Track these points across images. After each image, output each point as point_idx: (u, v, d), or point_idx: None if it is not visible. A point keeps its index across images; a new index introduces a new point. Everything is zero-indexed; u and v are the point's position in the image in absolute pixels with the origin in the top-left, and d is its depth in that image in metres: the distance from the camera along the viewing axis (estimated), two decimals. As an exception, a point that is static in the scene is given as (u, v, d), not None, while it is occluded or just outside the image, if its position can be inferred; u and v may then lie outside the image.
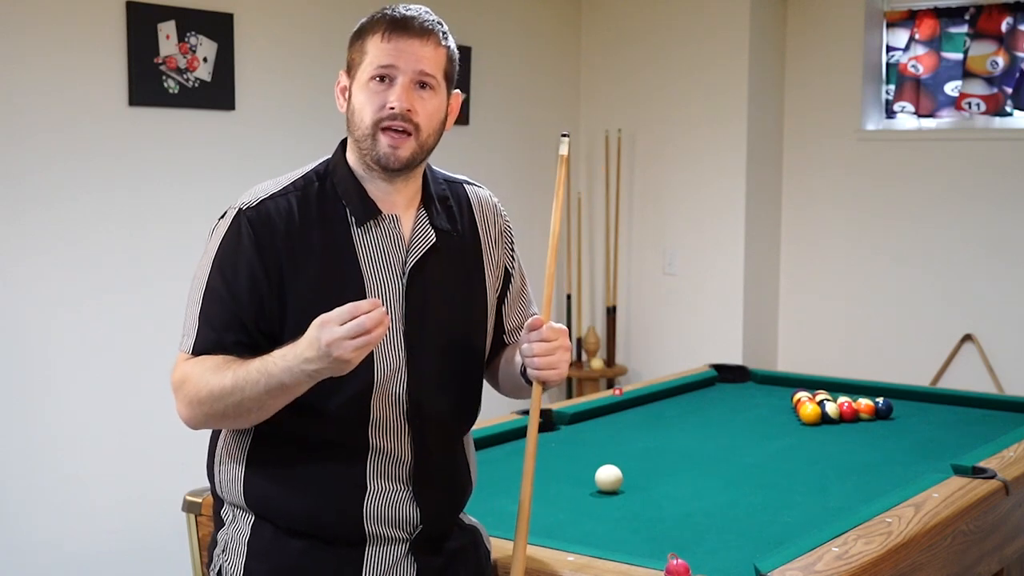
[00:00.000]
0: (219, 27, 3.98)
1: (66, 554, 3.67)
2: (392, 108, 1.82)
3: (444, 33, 1.89)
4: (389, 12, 1.87)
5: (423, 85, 1.85)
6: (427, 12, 1.89)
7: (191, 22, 3.89)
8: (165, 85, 3.85)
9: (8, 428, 3.55)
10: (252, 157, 4.13)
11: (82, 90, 3.67)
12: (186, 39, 3.89)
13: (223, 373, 1.75)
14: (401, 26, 1.84)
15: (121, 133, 3.77)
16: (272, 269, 1.81)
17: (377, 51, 1.84)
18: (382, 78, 1.84)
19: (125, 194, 3.79)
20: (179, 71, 3.88)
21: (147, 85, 3.80)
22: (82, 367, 3.71)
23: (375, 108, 1.83)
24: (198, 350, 1.82)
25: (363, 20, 1.90)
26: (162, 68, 3.83)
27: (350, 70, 1.90)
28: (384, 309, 1.65)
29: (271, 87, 4.21)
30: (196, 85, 3.93)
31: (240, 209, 1.85)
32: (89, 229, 3.71)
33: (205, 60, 3.95)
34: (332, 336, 1.63)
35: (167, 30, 3.83)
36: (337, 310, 1.65)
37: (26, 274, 3.57)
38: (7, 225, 3.53)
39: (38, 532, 3.61)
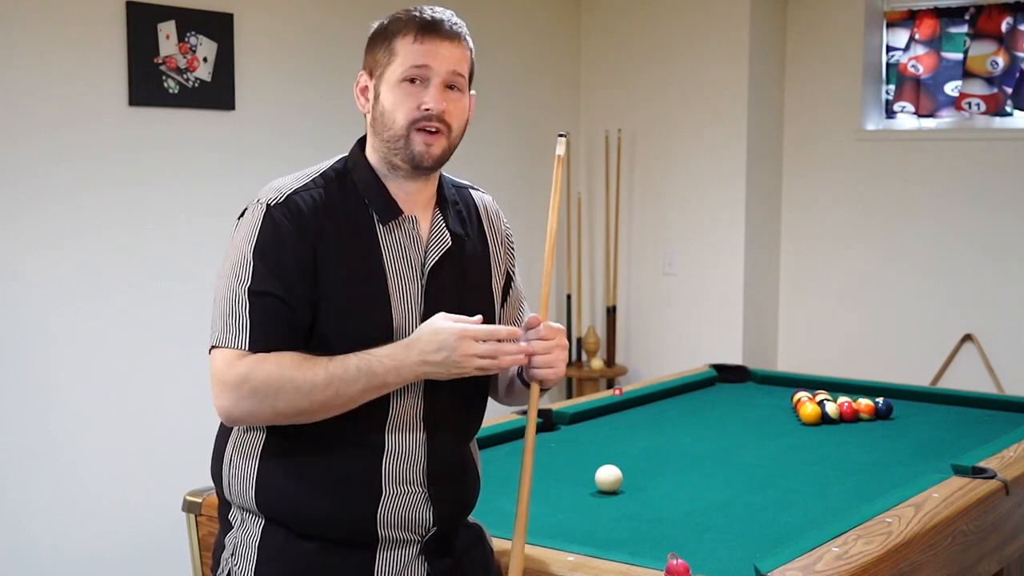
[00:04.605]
0: (219, 27, 3.98)
1: (66, 554, 3.67)
2: (428, 108, 1.84)
3: (467, 36, 1.93)
4: (417, 14, 1.88)
5: (452, 86, 1.88)
6: (452, 15, 1.92)
7: (191, 22, 3.89)
8: (165, 85, 3.85)
9: (8, 428, 3.55)
10: (252, 157, 4.13)
11: (82, 90, 3.67)
12: (186, 39, 3.89)
13: (311, 370, 1.75)
14: (433, 28, 1.87)
15: (121, 133, 3.77)
16: (310, 261, 1.81)
17: (409, 52, 1.86)
18: (413, 79, 1.85)
19: (125, 194, 3.79)
20: (179, 71, 3.88)
21: (147, 85, 3.80)
22: (82, 367, 3.71)
23: (409, 109, 1.85)
24: (256, 346, 1.78)
25: (384, 21, 1.90)
26: (162, 68, 3.83)
27: (373, 71, 1.90)
28: (523, 345, 1.82)
29: (271, 87, 4.21)
30: (196, 85, 3.93)
31: (268, 205, 1.84)
32: (89, 229, 3.71)
33: (205, 60, 3.95)
34: (471, 351, 1.74)
35: (167, 30, 3.83)
36: (478, 327, 1.77)
37: (26, 274, 3.57)
38: (6, 225, 3.53)
39: (38, 532, 3.61)
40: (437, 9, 1.91)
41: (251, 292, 1.80)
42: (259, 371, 1.76)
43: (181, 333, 3.89)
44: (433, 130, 1.85)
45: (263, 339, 1.78)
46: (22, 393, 3.58)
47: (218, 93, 4.00)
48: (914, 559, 2.27)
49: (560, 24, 5.53)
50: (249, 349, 1.78)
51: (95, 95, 3.70)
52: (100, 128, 3.72)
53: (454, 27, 1.89)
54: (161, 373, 3.87)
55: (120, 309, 3.80)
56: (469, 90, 1.95)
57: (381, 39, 1.90)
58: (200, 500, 2.41)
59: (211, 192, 4.00)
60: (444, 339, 1.74)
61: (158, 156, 3.87)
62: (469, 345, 1.74)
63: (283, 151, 4.21)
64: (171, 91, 3.87)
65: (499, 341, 1.78)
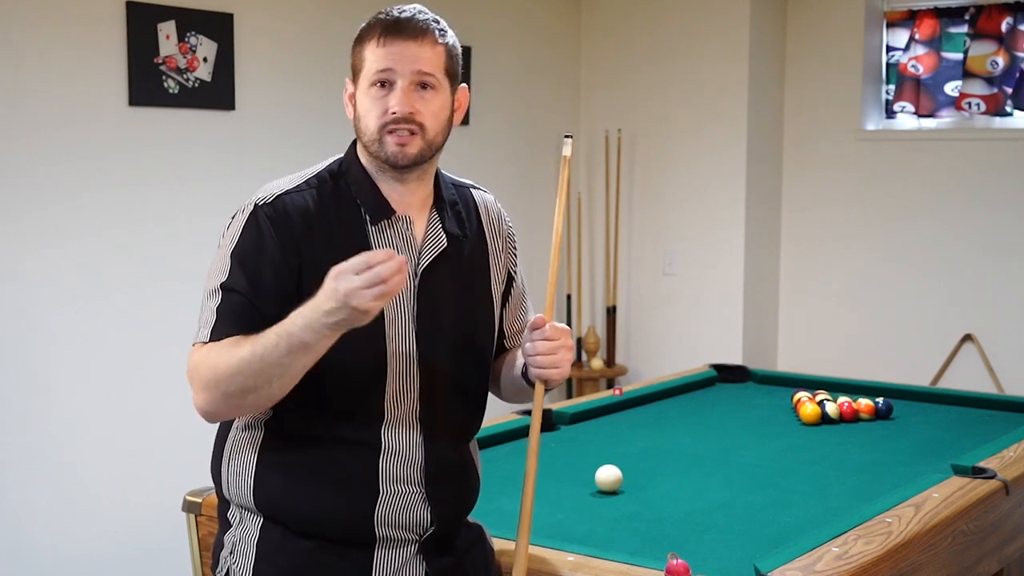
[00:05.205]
0: (219, 27, 3.98)
1: (66, 554, 3.67)
2: (394, 113, 1.82)
3: (441, 30, 1.88)
4: (383, 16, 1.87)
5: (424, 85, 1.85)
6: (421, 12, 1.88)
7: (191, 22, 3.89)
8: (165, 85, 3.85)
9: (8, 428, 3.55)
10: (252, 157, 4.13)
11: (82, 90, 3.67)
12: (186, 39, 3.89)
13: (239, 347, 1.73)
14: (395, 29, 1.84)
15: (121, 133, 3.77)
16: (292, 263, 1.81)
17: (374, 57, 1.84)
18: (382, 83, 1.84)
19: (125, 194, 3.79)
20: (179, 71, 3.88)
21: (147, 85, 3.80)
22: (82, 367, 3.71)
23: (378, 114, 1.84)
24: (216, 338, 1.78)
25: (362, 25, 1.90)
26: (162, 68, 3.83)
27: (355, 77, 1.90)
28: (403, 258, 1.64)
29: (271, 87, 4.21)
30: (196, 85, 3.93)
31: (256, 205, 1.84)
32: (89, 229, 3.71)
33: (205, 60, 3.95)
34: (350, 285, 1.62)
35: (167, 30, 3.83)
36: (352, 259, 1.64)
37: (26, 274, 3.57)
38: (7, 225, 3.53)
39: (38, 532, 3.61)
40: (406, 8, 1.88)
41: (222, 288, 1.80)
42: (205, 359, 1.76)
43: (181, 333, 3.85)
44: (404, 132, 1.83)
45: (223, 332, 1.78)
46: (22, 393, 3.58)
47: (218, 93, 4.00)
48: (914, 559, 2.27)
49: (560, 24, 5.53)
50: (209, 341, 1.79)
51: (95, 95, 3.70)
52: (100, 128, 3.72)
53: (419, 24, 1.85)
54: (161, 373, 3.87)
55: (120, 309, 3.80)
56: (454, 84, 1.91)
57: (356, 45, 1.89)
58: (200, 500, 2.41)
59: (211, 192, 4.00)
60: (328, 285, 1.65)
61: (158, 156, 3.87)
62: (347, 281, 1.62)
63: (283, 151, 4.21)
64: (171, 91, 3.87)
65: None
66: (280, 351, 1.69)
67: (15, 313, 3.56)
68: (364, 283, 1.61)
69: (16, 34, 3.51)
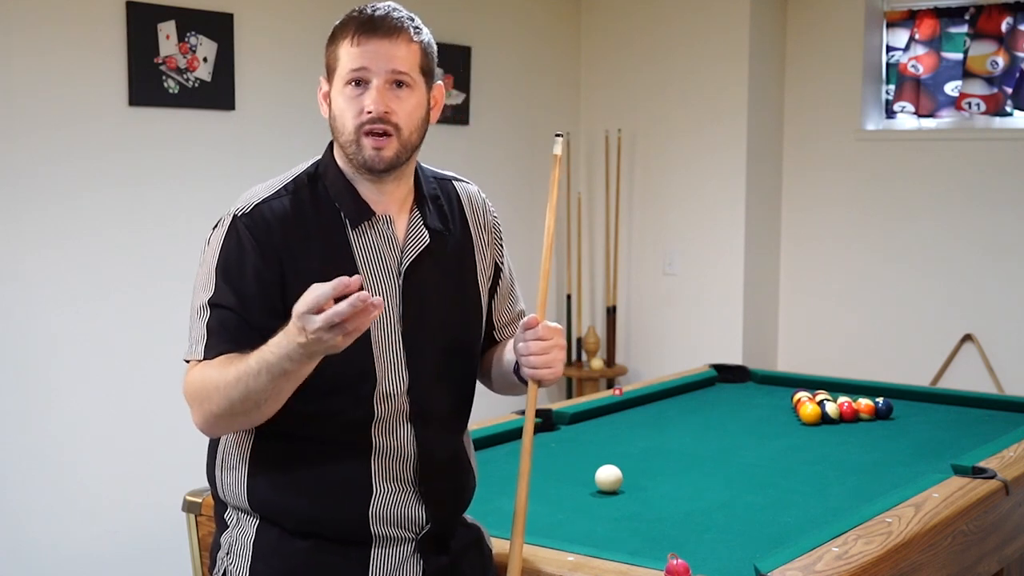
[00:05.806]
0: (219, 27, 3.98)
1: (66, 554, 3.67)
2: (369, 112, 1.81)
3: (416, 28, 1.86)
4: (356, 14, 1.85)
5: (399, 84, 1.83)
6: (396, 9, 1.86)
7: (191, 22, 3.89)
8: (165, 85, 3.85)
9: (8, 428, 3.55)
10: (252, 157, 4.13)
11: (82, 90, 3.67)
12: (186, 39, 3.89)
13: (226, 371, 1.73)
14: (369, 28, 1.83)
15: (121, 133, 3.77)
16: (275, 272, 1.80)
17: (348, 56, 1.83)
18: (357, 82, 1.83)
19: (125, 194, 3.79)
20: (179, 71, 3.88)
21: (147, 85, 3.80)
22: (82, 367, 3.71)
23: (354, 113, 1.82)
24: (208, 357, 1.78)
25: (335, 23, 1.89)
26: (162, 68, 3.83)
27: (329, 76, 1.89)
28: (370, 295, 1.57)
29: (271, 87, 4.21)
30: (196, 85, 3.93)
31: (235, 216, 1.83)
32: (89, 229, 3.71)
33: (205, 60, 3.95)
34: (312, 326, 1.58)
35: (167, 30, 3.83)
36: (305, 298, 1.59)
37: (25, 274, 3.57)
38: (7, 225, 3.53)
39: (38, 532, 3.61)
40: (380, 5, 1.86)
41: (210, 305, 1.80)
42: (196, 379, 1.77)
43: (181, 333, 3.86)
44: (379, 132, 1.81)
45: (215, 349, 1.77)
46: (22, 393, 3.58)
47: (218, 93, 4.00)
48: (914, 559, 2.27)
49: (560, 24, 5.53)
50: (203, 359, 1.78)
51: (95, 95, 3.70)
52: (100, 128, 3.72)
53: (393, 23, 1.83)
54: (161, 373, 3.87)
55: (120, 309, 3.80)
56: (430, 82, 1.89)
57: (330, 43, 1.88)
58: (200, 500, 2.41)
59: (211, 192, 4.00)
60: (295, 324, 1.62)
61: (158, 156, 3.88)
62: (309, 322, 1.57)
63: (283, 151, 4.20)
64: (171, 91, 3.87)
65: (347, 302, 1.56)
66: (262, 379, 1.68)
67: (15, 313, 3.56)
68: (324, 325, 1.57)
69: (16, 34, 3.51)
